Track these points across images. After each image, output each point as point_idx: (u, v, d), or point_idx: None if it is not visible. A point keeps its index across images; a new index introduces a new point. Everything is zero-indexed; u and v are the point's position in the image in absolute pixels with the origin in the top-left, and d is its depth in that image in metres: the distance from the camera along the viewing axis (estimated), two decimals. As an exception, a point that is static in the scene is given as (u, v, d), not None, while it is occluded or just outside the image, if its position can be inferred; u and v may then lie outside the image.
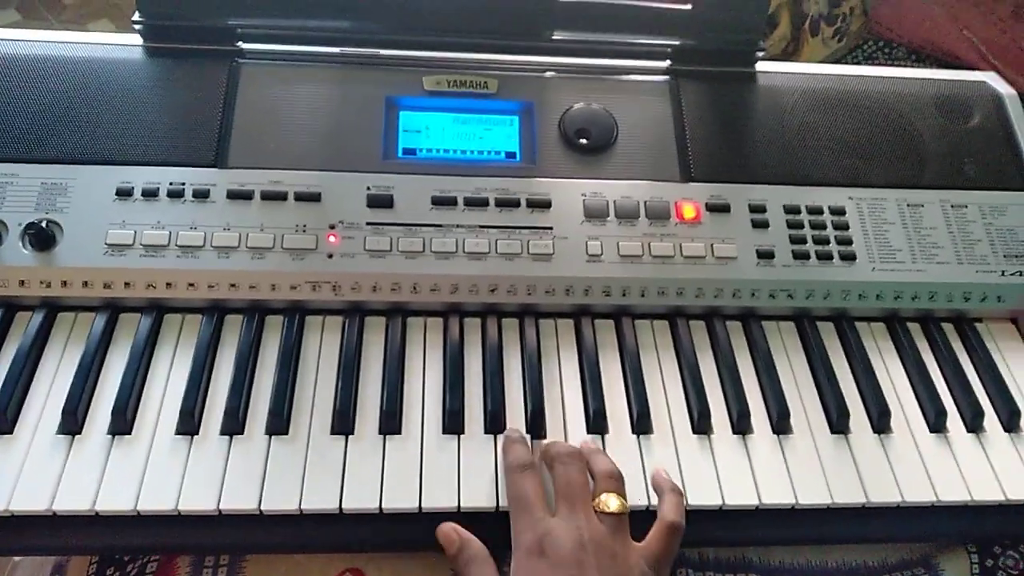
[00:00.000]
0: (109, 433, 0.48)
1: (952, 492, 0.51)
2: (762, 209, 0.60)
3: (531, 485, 0.45)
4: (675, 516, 0.45)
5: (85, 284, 0.53)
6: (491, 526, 0.46)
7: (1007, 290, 0.60)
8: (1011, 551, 0.54)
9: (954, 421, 0.54)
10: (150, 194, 0.55)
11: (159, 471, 0.47)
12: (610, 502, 0.44)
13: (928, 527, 0.51)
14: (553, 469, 0.46)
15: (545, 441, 0.50)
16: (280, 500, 0.46)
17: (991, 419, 0.55)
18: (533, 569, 0.41)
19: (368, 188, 0.57)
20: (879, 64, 0.95)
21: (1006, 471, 0.52)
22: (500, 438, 0.50)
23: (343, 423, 0.50)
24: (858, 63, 0.95)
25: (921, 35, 0.94)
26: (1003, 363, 0.58)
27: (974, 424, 0.54)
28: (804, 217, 0.60)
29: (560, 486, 0.45)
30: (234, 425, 0.49)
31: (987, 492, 0.51)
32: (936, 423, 0.54)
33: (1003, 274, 0.60)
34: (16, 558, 0.56)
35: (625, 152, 0.61)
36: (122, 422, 0.48)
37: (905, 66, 0.94)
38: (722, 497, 0.49)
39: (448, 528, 0.45)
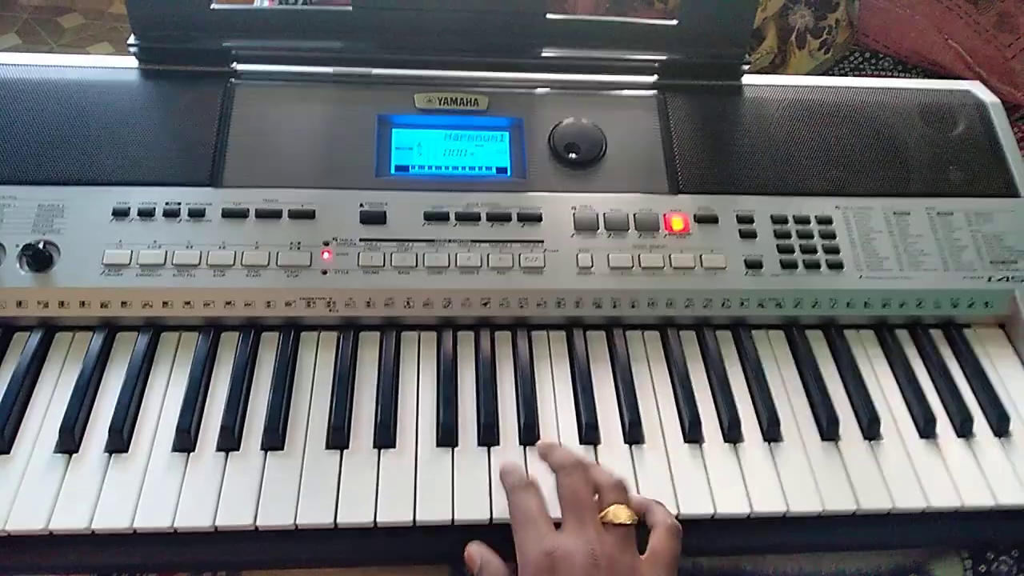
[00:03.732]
0: (106, 451, 0.49)
1: (943, 498, 0.51)
2: (750, 220, 0.60)
3: (534, 501, 0.44)
4: (671, 520, 0.45)
5: (82, 304, 0.54)
6: (486, 539, 0.46)
7: (994, 296, 0.60)
8: (1004, 556, 0.55)
9: (944, 427, 0.55)
10: (146, 214, 0.56)
11: (155, 488, 0.47)
12: (620, 514, 0.43)
13: (920, 533, 0.52)
14: (557, 479, 0.45)
15: (543, 442, 0.49)
16: (276, 516, 0.46)
17: (981, 424, 0.55)
18: None
19: (361, 205, 0.58)
20: (866, 75, 0.96)
21: (996, 476, 0.52)
22: (494, 451, 0.50)
23: (338, 437, 0.50)
24: (845, 75, 0.96)
25: (907, 46, 0.96)
26: (992, 368, 0.59)
27: (964, 430, 0.55)
28: (791, 227, 0.61)
29: (566, 497, 0.44)
30: (230, 441, 0.49)
31: (978, 497, 0.51)
32: (926, 429, 0.54)
33: (990, 280, 0.61)
34: (14, 577, 0.57)
35: (614, 166, 0.62)
36: (119, 440, 0.49)
37: (891, 76, 0.95)
38: (714, 506, 0.49)
39: (473, 549, 0.45)
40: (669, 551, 0.43)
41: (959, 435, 0.55)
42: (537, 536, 0.42)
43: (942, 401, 0.56)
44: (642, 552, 0.43)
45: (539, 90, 0.66)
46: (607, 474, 0.46)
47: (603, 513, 0.43)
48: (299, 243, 0.56)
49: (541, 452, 0.48)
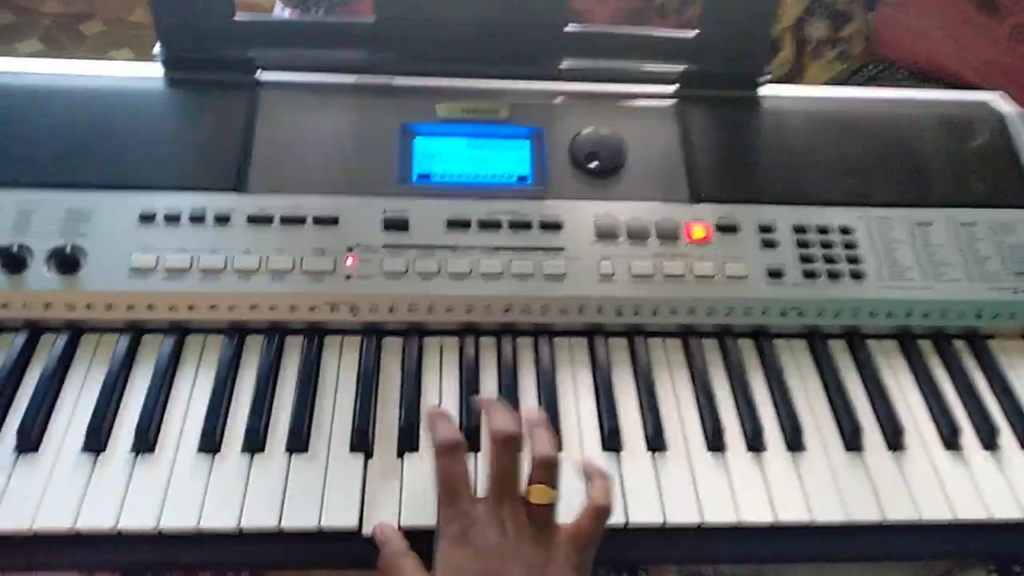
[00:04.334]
0: (132, 451, 0.49)
1: (970, 510, 0.50)
2: (771, 229, 0.60)
3: (458, 470, 0.44)
4: (604, 500, 0.45)
5: (109, 307, 0.54)
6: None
7: (1019, 307, 0.60)
8: (1030, 569, 0.54)
9: (969, 438, 0.54)
10: (172, 219, 0.57)
11: (181, 489, 0.47)
12: (540, 495, 0.44)
13: (946, 545, 0.51)
14: (491, 451, 0.45)
15: (485, 398, 0.49)
16: (300, 517, 0.47)
17: (1006, 436, 0.55)
18: (455, 557, 0.42)
19: (384, 212, 0.58)
20: (881, 86, 0.96)
21: (1023, 488, 0.52)
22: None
23: (362, 441, 0.50)
24: (861, 85, 0.96)
25: (922, 56, 0.96)
26: (1016, 380, 0.58)
27: (989, 441, 0.54)
28: (813, 236, 0.61)
29: (492, 473, 0.44)
30: (255, 443, 0.50)
31: (1005, 509, 0.51)
32: (950, 440, 0.54)
33: (1015, 292, 0.60)
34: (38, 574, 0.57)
35: (634, 174, 0.63)
36: (145, 440, 0.49)
37: (908, 87, 0.95)
38: (737, 514, 0.49)
39: (383, 526, 0.45)
40: (589, 529, 0.44)
41: (985, 447, 0.54)
42: (456, 510, 0.43)
43: (967, 412, 0.56)
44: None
45: (559, 99, 0.66)
46: (543, 447, 0.45)
47: (526, 491, 0.44)
48: (323, 249, 0.57)
49: (483, 407, 0.48)
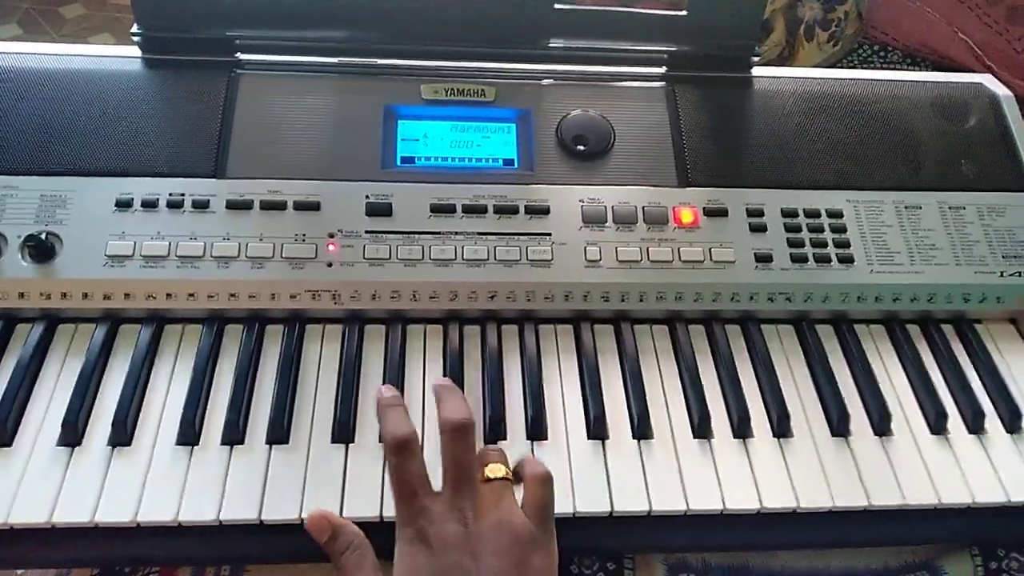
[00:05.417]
0: (109, 444, 0.48)
1: (954, 494, 0.50)
2: (759, 213, 0.60)
3: (412, 467, 0.43)
4: (540, 468, 0.44)
5: (85, 296, 0.53)
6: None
7: (1006, 291, 0.60)
8: (1015, 553, 0.54)
9: (955, 423, 0.54)
10: (149, 205, 0.55)
11: (159, 482, 0.47)
12: (496, 470, 0.43)
13: (931, 529, 0.51)
14: (443, 441, 0.44)
15: (441, 383, 0.48)
16: (281, 510, 0.46)
17: (992, 420, 0.55)
18: (415, 558, 0.40)
19: (367, 197, 0.57)
20: (874, 68, 0.95)
21: (1008, 472, 0.52)
22: (502, 445, 0.50)
23: (343, 432, 0.50)
24: (853, 67, 0.95)
25: (916, 38, 0.95)
26: (1003, 364, 0.58)
27: (975, 425, 0.54)
28: (802, 220, 0.60)
29: (448, 465, 0.43)
30: (234, 435, 0.49)
31: (990, 494, 0.51)
32: (937, 425, 0.54)
33: (1002, 275, 0.60)
34: (17, 571, 0.56)
35: (622, 158, 0.62)
36: (122, 433, 0.48)
37: (900, 69, 0.94)
38: (723, 501, 0.48)
39: (317, 516, 0.42)
40: (541, 497, 0.43)
41: (971, 431, 0.54)
42: (412, 510, 0.41)
43: (953, 397, 0.56)
44: None
45: (547, 81, 0.65)
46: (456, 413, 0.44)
47: (481, 471, 0.43)
48: (304, 235, 0.56)
49: (436, 392, 0.47)
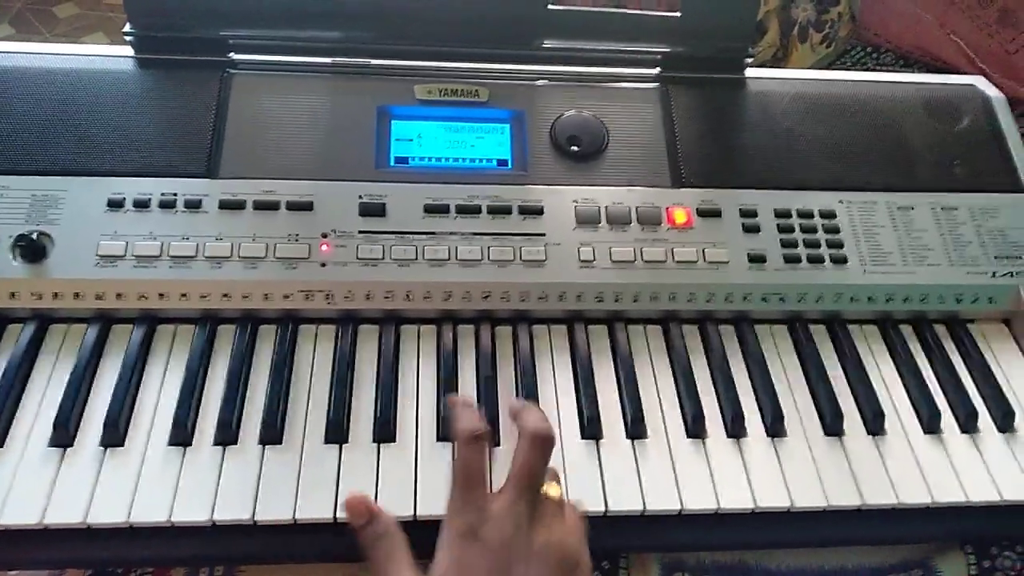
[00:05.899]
0: (101, 445, 0.48)
1: (947, 493, 0.51)
2: (753, 214, 0.60)
3: (479, 460, 0.43)
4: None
5: (77, 296, 0.53)
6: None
7: (998, 291, 0.60)
8: (1008, 551, 0.54)
9: (948, 422, 0.54)
10: (142, 205, 0.55)
11: (152, 482, 0.46)
12: (556, 490, 0.44)
13: (924, 528, 0.51)
14: (519, 444, 0.44)
15: (517, 402, 0.48)
16: (274, 510, 0.46)
17: (985, 420, 0.55)
18: (463, 550, 0.40)
19: (360, 197, 0.57)
20: (867, 70, 0.95)
21: (1001, 471, 0.52)
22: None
23: (337, 432, 0.50)
24: (846, 69, 0.95)
25: (909, 40, 0.95)
26: (996, 364, 0.58)
27: (968, 425, 0.54)
28: (795, 221, 0.60)
29: (518, 466, 0.43)
30: (227, 435, 0.49)
31: (982, 493, 0.51)
32: (930, 424, 0.54)
33: (994, 275, 0.60)
34: (10, 573, 0.56)
35: (616, 159, 0.62)
36: (114, 433, 0.48)
37: (893, 71, 0.94)
38: (717, 501, 0.49)
39: (357, 499, 0.43)
40: (580, 519, 0.44)
41: (963, 431, 0.54)
42: (471, 501, 0.41)
43: (946, 396, 0.56)
44: None
45: (541, 82, 0.65)
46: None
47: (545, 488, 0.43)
48: (297, 235, 0.55)
49: (514, 407, 0.46)
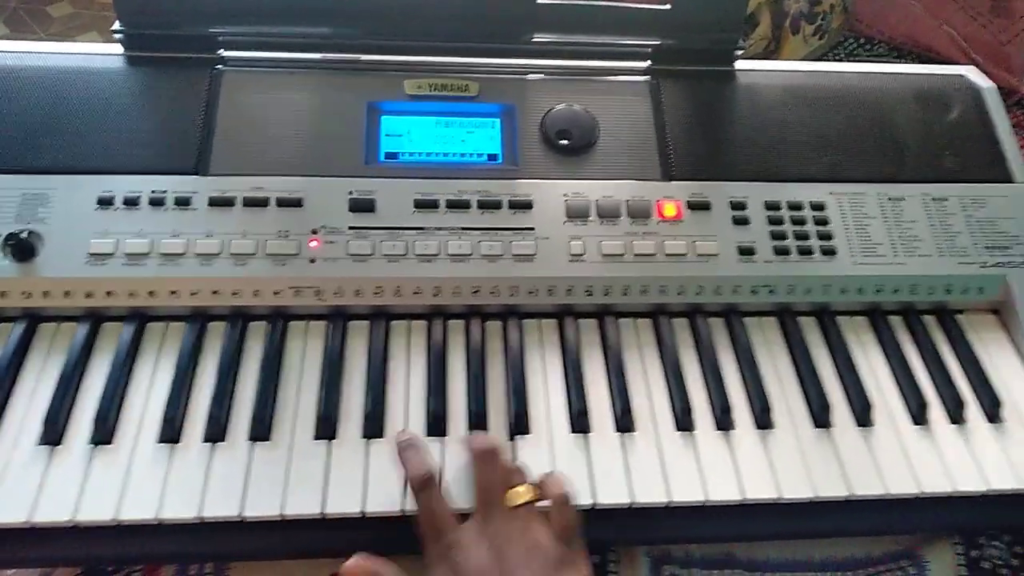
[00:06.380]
0: (90, 443, 0.48)
1: (935, 483, 0.51)
2: (743, 206, 0.60)
3: (436, 505, 0.44)
4: (561, 490, 0.45)
5: (67, 294, 0.53)
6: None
7: (988, 281, 0.60)
8: (996, 542, 0.55)
9: (937, 413, 0.55)
10: (131, 203, 0.55)
11: (141, 480, 0.47)
12: (521, 495, 0.44)
13: (912, 519, 0.51)
14: (474, 470, 0.46)
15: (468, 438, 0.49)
16: (263, 506, 0.46)
17: (973, 410, 0.55)
18: None
19: (350, 193, 0.57)
20: (860, 61, 0.95)
21: (988, 461, 0.52)
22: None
23: (326, 428, 0.50)
24: (839, 60, 0.95)
25: (901, 31, 0.95)
26: (984, 354, 0.58)
27: (956, 415, 0.54)
28: (785, 213, 0.60)
29: (477, 488, 0.45)
30: (216, 432, 0.49)
31: (970, 483, 0.51)
32: (918, 415, 0.54)
33: (983, 266, 0.60)
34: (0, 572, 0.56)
35: (606, 152, 0.62)
36: (103, 431, 0.48)
37: (886, 62, 0.94)
38: (706, 493, 0.49)
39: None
40: (566, 518, 0.44)
41: (952, 421, 0.54)
42: (442, 546, 0.43)
43: (935, 387, 0.56)
44: None
45: (531, 76, 0.65)
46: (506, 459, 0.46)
47: (506, 496, 0.44)
48: (287, 231, 0.55)
49: (465, 445, 0.48)
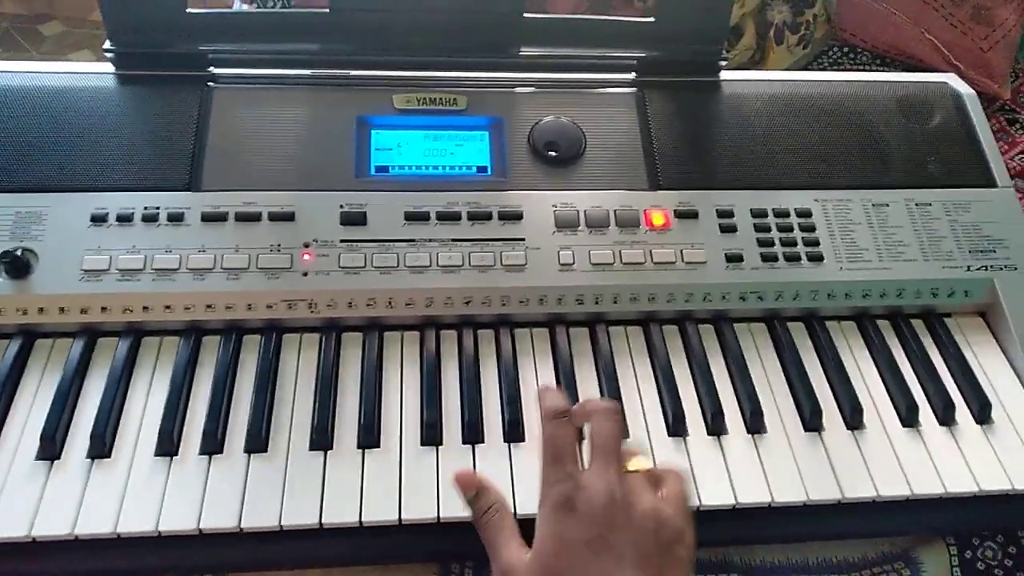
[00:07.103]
0: (88, 457, 0.48)
1: (926, 485, 0.51)
2: (730, 214, 0.61)
3: (564, 434, 0.43)
4: (676, 468, 0.45)
5: (62, 310, 0.53)
6: (471, 537, 0.46)
7: (973, 285, 0.61)
8: (989, 542, 0.55)
9: (926, 415, 0.55)
10: (125, 219, 0.56)
11: (139, 493, 0.47)
12: (640, 462, 0.44)
13: (905, 521, 0.52)
14: (593, 422, 0.44)
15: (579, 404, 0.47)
16: (260, 517, 0.46)
17: (963, 412, 0.56)
18: (560, 523, 0.40)
19: (341, 206, 0.58)
20: (844, 70, 0.97)
21: (979, 462, 0.53)
22: (479, 449, 0.50)
23: (322, 439, 0.50)
24: (823, 69, 0.97)
25: (884, 40, 0.97)
26: (972, 356, 0.59)
27: (946, 417, 0.55)
28: (771, 220, 0.61)
29: (596, 440, 0.43)
30: (213, 444, 0.49)
31: (961, 484, 0.51)
32: (908, 418, 0.55)
33: (968, 269, 0.61)
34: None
35: (594, 163, 0.62)
36: (101, 445, 0.48)
37: (869, 70, 0.96)
38: (699, 498, 0.49)
39: (467, 472, 0.45)
40: (683, 490, 0.43)
41: (941, 423, 0.55)
42: (562, 474, 0.42)
43: (924, 390, 0.57)
44: None
45: (518, 89, 0.66)
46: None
47: (626, 461, 0.43)
48: (279, 245, 0.56)
49: (575, 409, 0.47)
